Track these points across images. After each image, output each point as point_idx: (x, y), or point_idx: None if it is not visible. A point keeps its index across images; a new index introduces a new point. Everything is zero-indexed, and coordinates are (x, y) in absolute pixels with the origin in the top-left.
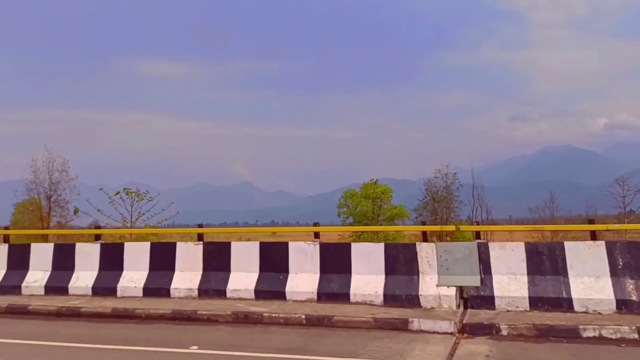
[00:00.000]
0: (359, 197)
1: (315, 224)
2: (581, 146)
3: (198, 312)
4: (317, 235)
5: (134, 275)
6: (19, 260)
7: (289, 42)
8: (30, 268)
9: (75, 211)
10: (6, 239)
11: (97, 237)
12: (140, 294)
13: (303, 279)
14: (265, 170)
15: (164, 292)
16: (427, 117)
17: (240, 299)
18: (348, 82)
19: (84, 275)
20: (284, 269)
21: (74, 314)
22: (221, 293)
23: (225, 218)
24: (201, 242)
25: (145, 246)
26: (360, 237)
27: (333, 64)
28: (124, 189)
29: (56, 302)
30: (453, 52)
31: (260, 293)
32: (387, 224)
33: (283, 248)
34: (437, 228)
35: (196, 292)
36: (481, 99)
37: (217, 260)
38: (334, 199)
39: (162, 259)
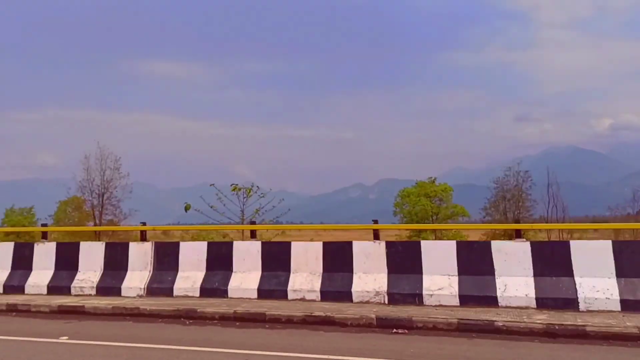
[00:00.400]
0: (416, 195)
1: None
2: (586, 147)
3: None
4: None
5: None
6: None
7: (292, 43)
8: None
9: (187, 208)
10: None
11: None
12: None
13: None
14: (268, 170)
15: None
16: (430, 117)
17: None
18: (352, 82)
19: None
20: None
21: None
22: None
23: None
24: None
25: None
26: (420, 236)
27: (337, 64)
28: (232, 185)
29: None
30: (457, 52)
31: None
32: (446, 222)
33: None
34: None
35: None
36: (485, 99)
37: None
38: (336, 199)
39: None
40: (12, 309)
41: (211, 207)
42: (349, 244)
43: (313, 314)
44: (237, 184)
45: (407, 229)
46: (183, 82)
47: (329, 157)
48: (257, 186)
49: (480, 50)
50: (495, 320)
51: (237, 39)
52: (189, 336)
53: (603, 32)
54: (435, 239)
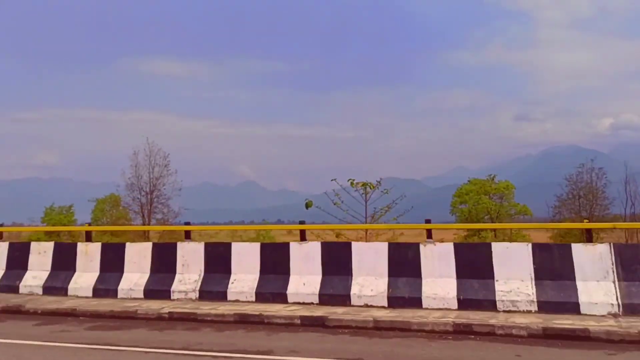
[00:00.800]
0: (475, 193)
1: (427, 221)
2: (587, 146)
3: None
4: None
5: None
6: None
7: (293, 42)
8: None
9: (309, 205)
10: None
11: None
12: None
13: None
14: (270, 169)
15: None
16: (431, 117)
17: None
18: (352, 82)
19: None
20: None
21: None
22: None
23: (231, 217)
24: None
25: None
26: (480, 236)
27: (337, 64)
28: (349, 179)
29: None
30: (457, 51)
31: None
32: (508, 221)
33: None
34: None
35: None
36: (486, 99)
37: None
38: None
39: None
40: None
41: (335, 204)
42: None
43: None
44: (352, 179)
45: (460, 229)
46: (183, 80)
47: (331, 156)
48: (379, 181)
49: (481, 50)
50: None
51: (238, 38)
52: None
53: (604, 31)
54: (495, 239)
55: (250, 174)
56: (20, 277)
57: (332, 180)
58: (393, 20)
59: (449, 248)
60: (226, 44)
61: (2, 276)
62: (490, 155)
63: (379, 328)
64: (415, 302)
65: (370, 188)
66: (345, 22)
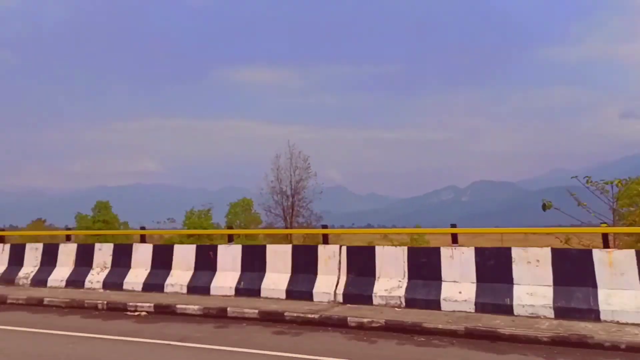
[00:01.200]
0: None
1: (603, 224)
2: None
3: None
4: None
5: None
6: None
7: (381, 46)
8: None
9: (548, 206)
10: None
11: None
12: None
13: None
14: (358, 174)
15: None
16: (526, 116)
17: None
18: (442, 82)
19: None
20: None
21: None
22: None
23: (322, 221)
24: None
25: None
26: None
27: (426, 64)
28: (585, 177)
29: None
30: (555, 47)
31: None
32: None
33: None
34: None
35: None
36: (587, 96)
37: None
38: (428, 201)
39: None
40: None
41: (579, 205)
42: None
43: None
44: (589, 177)
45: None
46: (272, 87)
47: (420, 159)
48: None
49: (580, 44)
50: None
51: (325, 43)
52: None
53: None
54: None
55: (339, 178)
56: (370, 285)
57: (572, 177)
58: (485, 17)
59: None
60: (314, 49)
61: (347, 283)
62: (592, 155)
63: None
64: None
65: (617, 186)
66: (434, 21)
